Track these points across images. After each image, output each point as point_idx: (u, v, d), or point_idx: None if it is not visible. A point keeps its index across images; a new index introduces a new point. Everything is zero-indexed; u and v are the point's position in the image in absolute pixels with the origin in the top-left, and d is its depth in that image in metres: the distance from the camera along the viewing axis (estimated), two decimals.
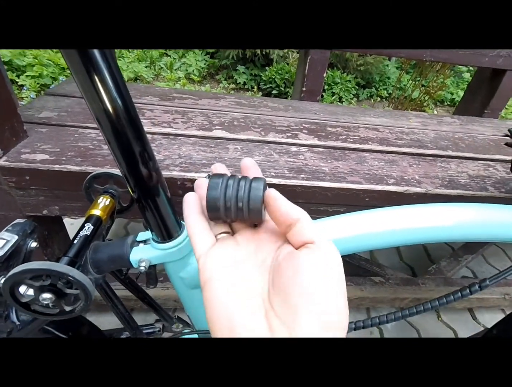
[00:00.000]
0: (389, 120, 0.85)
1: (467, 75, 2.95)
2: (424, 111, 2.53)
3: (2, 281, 0.27)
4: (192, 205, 0.21)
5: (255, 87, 2.45)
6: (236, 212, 0.20)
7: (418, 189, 0.54)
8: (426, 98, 2.41)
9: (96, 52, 0.20)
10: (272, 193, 0.19)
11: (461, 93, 2.75)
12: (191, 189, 0.52)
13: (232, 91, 2.40)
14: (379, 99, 2.67)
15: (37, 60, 1.80)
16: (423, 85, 2.42)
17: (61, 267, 0.22)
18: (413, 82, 2.34)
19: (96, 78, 0.21)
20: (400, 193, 0.53)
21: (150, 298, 0.42)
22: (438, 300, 0.36)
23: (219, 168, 0.24)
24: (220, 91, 2.35)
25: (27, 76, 1.74)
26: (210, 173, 0.52)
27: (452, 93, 2.80)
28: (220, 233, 0.21)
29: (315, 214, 0.56)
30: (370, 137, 0.72)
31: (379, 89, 2.71)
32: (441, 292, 0.82)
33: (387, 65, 2.80)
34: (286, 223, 0.18)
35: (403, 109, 2.34)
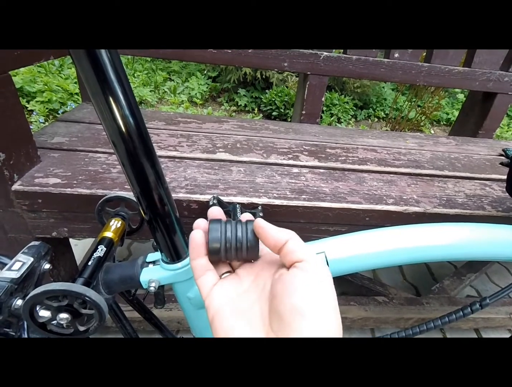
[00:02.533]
0: (387, 141, 0.88)
1: (461, 96, 3.04)
2: (421, 131, 2.59)
3: (20, 302, 0.29)
4: (199, 246, 0.22)
5: (256, 109, 2.53)
6: (235, 252, 0.22)
7: (416, 209, 0.55)
8: (423, 118, 2.48)
9: (111, 74, 0.21)
10: (260, 222, 0.21)
11: (456, 113, 2.81)
12: (196, 210, 0.54)
13: (234, 113, 2.48)
14: (376, 119, 2.75)
15: (47, 87, 1.88)
16: (419, 106, 2.49)
17: (79, 287, 0.23)
18: (409, 103, 2.41)
19: (111, 100, 0.22)
20: (400, 212, 0.55)
21: (157, 319, 0.42)
22: (440, 319, 0.37)
23: (215, 211, 0.25)
24: (222, 114, 2.43)
25: (36, 101, 1.81)
26: (214, 196, 0.53)
27: (447, 113, 2.88)
28: (223, 273, 0.23)
29: (316, 233, 0.57)
30: (368, 158, 0.74)
31: (376, 110, 2.79)
32: (446, 312, 0.81)
33: (383, 87, 2.90)
34: (277, 245, 0.20)
35: (401, 129, 2.40)
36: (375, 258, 0.32)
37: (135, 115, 0.24)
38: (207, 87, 2.59)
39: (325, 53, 0.89)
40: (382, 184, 0.63)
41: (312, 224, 0.56)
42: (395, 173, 0.69)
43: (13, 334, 0.31)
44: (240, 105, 2.52)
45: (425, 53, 0.99)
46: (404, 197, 0.58)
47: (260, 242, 0.22)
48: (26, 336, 0.31)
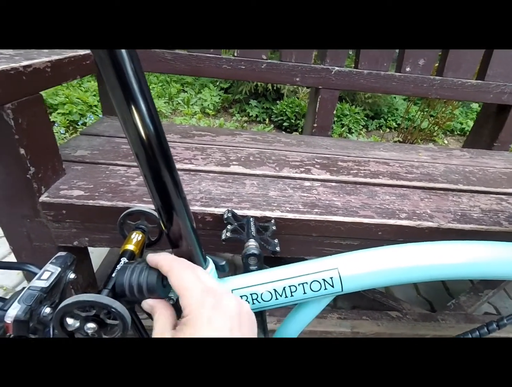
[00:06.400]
0: (399, 154, 0.88)
1: (475, 106, 3.00)
2: (434, 141, 2.56)
3: (48, 310, 0.30)
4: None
5: (267, 119, 2.56)
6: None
7: (430, 224, 0.55)
8: (436, 128, 2.45)
9: (133, 82, 0.23)
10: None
11: (470, 123, 2.78)
12: (211, 223, 0.56)
13: (245, 124, 2.52)
14: (388, 130, 2.73)
15: (68, 99, 1.97)
16: (431, 116, 2.47)
17: (107, 299, 0.24)
18: (422, 113, 2.40)
19: (134, 110, 0.23)
20: (413, 227, 0.55)
21: None
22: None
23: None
24: (234, 124, 2.47)
25: (58, 113, 1.90)
26: (229, 209, 0.55)
27: (461, 123, 2.84)
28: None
29: (328, 247, 0.57)
30: (380, 172, 0.74)
31: (387, 120, 2.78)
32: (463, 329, 0.79)
33: (395, 97, 2.89)
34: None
35: (413, 140, 2.38)
36: (390, 275, 0.32)
37: (157, 127, 0.25)
38: (219, 99, 2.65)
39: (336, 68, 0.91)
40: (395, 198, 0.63)
41: (324, 237, 0.56)
42: (408, 187, 0.68)
43: None
44: (252, 116, 2.56)
45: (437, 64, 0.99)
46: (417, 211, 0.58)
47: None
48: None
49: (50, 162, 0.53)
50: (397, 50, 0.99)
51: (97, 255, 1.06)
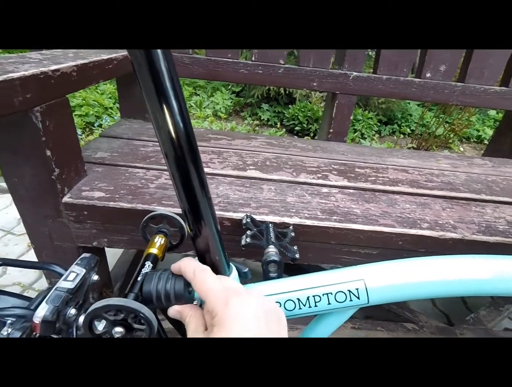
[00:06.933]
0: (418, 161, 0.86)
1: (492, 112, 2.93)
2: (449, 148, 2.51)
3: (73, 311, 0.31)
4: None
5: (279, 123, 2.56)
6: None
7: (454, 235, 0.53)
8: (451, 135, 2.40)
9: (166, 80, 0.23)
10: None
11: (487, 130, 2.71)
12: (229, 228, 0.55)
13: (257, 128, 2.53)
14: (402, 136, 2.69)
15: (84, 101, 2.02)
16: (447, 122, 2.42)
17: (135, 303, 0.24)
18: (437, 120, 2.35)
19: (166, 109, 0.24)
20: (435, 238, 0.53)
21: None
22: None
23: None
24: (246, 128, 2.48)
25: (75, 115, 1.95)
26: (247, 214, 0.55)
27: (478, 130, 2.77)
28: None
29: (347, 255, 0.56)
30: (399, 179, 0.73)
31: (401, 126, 2.74)
32: None
33: (409, 103, 2.85)
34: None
35: (427, 146, 2.33)
36: (419, 289, 0.31)
37: (187, 128, 0.25)
38: (231, 102, 2.67)
39: (354, 73, 0.90)
40: (415, 207, 0.61)
41: (343, 245, 0.55)
42: (429, 195, 0.67)
43: None
44: (263, 119, 2.57)
45: (458, 70, 0.97)
46: (439, 222, 0.57)
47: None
48: None
49: (73, 163, 0.54)
50: (417, 56, 0.98)
51: (111, 255, 1.07)
